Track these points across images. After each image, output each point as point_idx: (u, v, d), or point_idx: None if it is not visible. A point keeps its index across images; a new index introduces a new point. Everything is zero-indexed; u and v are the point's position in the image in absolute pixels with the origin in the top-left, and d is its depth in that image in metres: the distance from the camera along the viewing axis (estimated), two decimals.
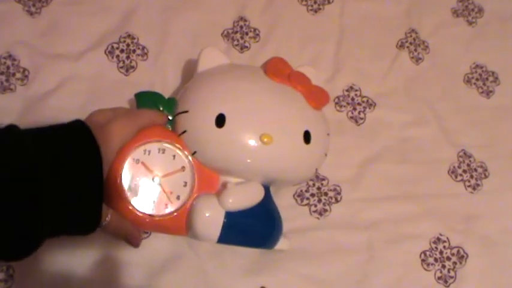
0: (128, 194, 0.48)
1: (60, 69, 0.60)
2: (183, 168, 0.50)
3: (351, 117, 0.64)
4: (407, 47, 0.69)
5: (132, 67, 0.62)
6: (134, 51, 0.63)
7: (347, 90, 0.65)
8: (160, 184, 0.48)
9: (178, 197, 0.49)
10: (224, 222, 0.48)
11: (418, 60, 0.68)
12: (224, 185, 0.50)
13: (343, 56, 0.66)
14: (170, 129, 0.51)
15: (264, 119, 0.49)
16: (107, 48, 0.62)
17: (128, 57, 0.62)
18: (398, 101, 0.66)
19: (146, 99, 0.51)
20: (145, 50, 0.63)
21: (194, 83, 0.52)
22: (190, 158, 0.50)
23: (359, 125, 0.64)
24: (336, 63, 0.66)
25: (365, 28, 0.68)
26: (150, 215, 0.48)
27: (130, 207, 0.48)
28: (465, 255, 0.59)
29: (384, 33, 0.68)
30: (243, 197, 0.49)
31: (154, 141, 0.49)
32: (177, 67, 0.62)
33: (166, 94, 0.55)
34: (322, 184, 0.60)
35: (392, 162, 0.62)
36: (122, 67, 0.62)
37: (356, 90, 0.66)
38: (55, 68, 0.60)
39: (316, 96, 0.53)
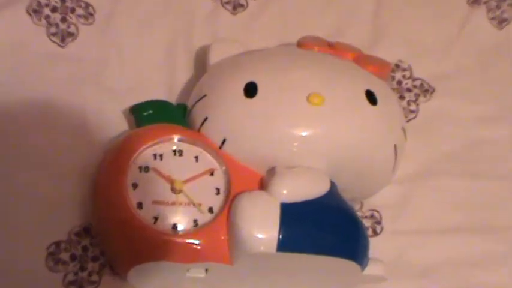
0: (142, 215, 0.48)
1: None
2: (211, 171, 0.51)
3: None
4: (485, 1, 0.67)
5: (71, 34, 0.60)
6: (73, 10, 0.61)
7: (391, 70, 0.63)
8: (184, 194, 0.49)
9: (211, 210, 0.49)
10: (282, 217, 0.49)
11: (501, 22, 0.68)
12: (271, 172, 0.51)
13: (384, 19, 0.66)
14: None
15: (308, 79, 0.52)
16: (30, 4, 0.60)
17: (63, 20, 0.60)
18: (468, 85, 0.65)
19: (147, 114, 0.54)
20: (91, 10, 0.61)
21: (209, 74, 0.56)
22: (218, 155, 0.51)
23: (408, 121, 0.62)
24: (374, 29, 0.66)
25: None
26: (175, 235, 0.49)
27: (148, 233, 0.49)
28: None
29: None
30: (301, 180, 0.51)
31: (165, 140, 0.51)
32: (141, 34, 0.61)
33: (123, 77, 0.57)
34: (354, 209, 0.57)
35: (457, 176, 0.61)
36: (54, 34, 0.60)
37: (404, 70, 0.64)
38: None
39: (374, 61, 0.56)
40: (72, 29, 0.59)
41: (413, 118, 0.62)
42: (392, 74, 0.63)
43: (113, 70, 0.58)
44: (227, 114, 0.52)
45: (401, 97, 0.62)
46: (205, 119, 0.52)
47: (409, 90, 0.63)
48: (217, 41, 0.58)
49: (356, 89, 0.53)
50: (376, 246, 0.55)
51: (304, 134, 0.51)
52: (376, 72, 0.55)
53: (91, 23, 0.60)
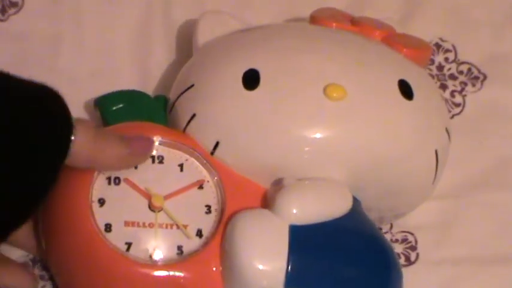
0: (110, 240, 0.46)
1: None
2: (199, 183, 0.48)
3: None
4: None
5: (14, 4, 0.58)
6: None
7: (431, 53, 0.61)
8: (164, 213, 0.47)
9: (199, 233, 0.47)
10: (291, 244, 0.46)
11: None
12: (277, 185, 0.49)
13: None
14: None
15: (325, 65, 0.50)
16: None
17: None
18: None
19: (116, 109, 0.51)
20: None
21: (197, 58, 0.54)
22: (209, 162, 0.49)
23: (452, 117, 0.59)
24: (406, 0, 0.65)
25: None
26: (153, 266, 0.46)
27: (118, 264, 0.46)
28: None
29: None
30: (316, 197, 0.48)
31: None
32: (106, 4, 0.59)
33: (82, 59, 0.56)
34: (381, 230, 0.56)
35: None
36: None
37: (447, 51, 0.61)
38: None
39: (410, 42, 0.54)
40: None
41: (459, 113, 0.59)
42: (432, 57, 0.60)
43: (70, 50, 0.56)
44: (221, 111, 0.49)
45: (443, 86, 0.60)
46: (193, 116, 0.49)
47: (453, 77, 0.60)
48: (206, 15, 0.55)
49: (387, 78, 0.51)
50: (409, 278, 0.51)
51: (319, 136, 0.48)
52: (413, 57, 0.53)
53: None
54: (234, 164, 0.49)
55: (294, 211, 0.47)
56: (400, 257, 0.54)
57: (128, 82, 0.56)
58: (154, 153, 0.49)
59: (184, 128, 0.50)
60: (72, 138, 0.44)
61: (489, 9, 0.63)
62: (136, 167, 0.48)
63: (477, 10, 0.62)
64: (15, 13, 0.58)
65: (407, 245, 0.55)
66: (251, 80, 0.49)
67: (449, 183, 0.56)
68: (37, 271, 0.50)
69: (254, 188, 0.50)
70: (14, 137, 0.42)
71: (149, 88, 0.57)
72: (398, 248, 0.55)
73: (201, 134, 0.49)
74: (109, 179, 0.48)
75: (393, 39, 0.54)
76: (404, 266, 0.54)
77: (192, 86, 0.50)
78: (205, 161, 0.49)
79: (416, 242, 0.55)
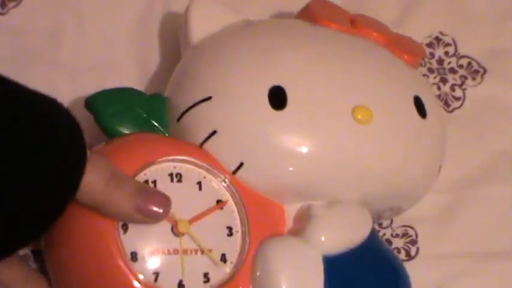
0: (137, 270, 0.44)
1: None
2: (219, 204, 0.47)
3: (438, 96, 0.60)
4: None
5: None
6: None
7: (429, 45, 0.61)
8: (189, 237, 0.46)
9: (223, 258, 0.46)
10: (328, 275, 0.46)
11: None
12: (306, 212, 0.48)
13: None
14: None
15: (350, 85, 0.49)
16: None
17: None
18: None
19: (114, 111, 0.48)
20: None
21: (197, 57, 0.51)
22: (229, 181, 0.47)
23: (452, 110, 0.59)
24: None
25: None
26: None
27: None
28: None
29: None
30: (346, 223, 0.48)
31: (163, 161, 0.47)
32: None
33: (82, 53, 0.54)
34: (381, 226, 0.56)
35: None
36: None
37: (447, 45, 0.61)
38: None
39: (406, 45, 0.54)
40: None
41: (459, 107, 0.59)
42: (432, 51, 0.61)
43: (70, 43, 0.55)
44: (247, 131, 0.47)
45: (443, 80, 0.60)
46: (214, 132, 0.47)
47: (453, 71, 0.60)
48: (196, 4, 0.51)
49: (405, 95, 0.50)
50: (410, 273, 0.52)
51: (346, 161, 0.48)
52: (411, 62, 0.53)
53: None
54: (255, 184, 0.48)
55: (327, 241, 0.47)
56: (400, 252, 0.54)
57: (129, 75, 0.56)
58: (172, 170, 0.47)
59: (202, 143, 0.48)
60: (83, 174, 0.43)
61: (489, 3, 0.63)
62: (155, 185, 0.47)
63: (477, 4, 0.62)
64: (15, 6, 0.57)
65: (407, 239, 0.55)
66: (278, 98, 0.47)
67: (449, 177, 0.56)
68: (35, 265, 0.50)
69: (275, 209, 0.49)
70: (21, 166, 0.41)
71: (150, 81, 0.56)
72: (398, 243, 0.55)
73: (223, 152, 0.48)
74: None
75: (394, 44, 0.53)
76: (405, 261, 0.54)
77: (210, 98, 0.48)
78: (225, 179, 0.48)
79: (416, 235, 0.55)
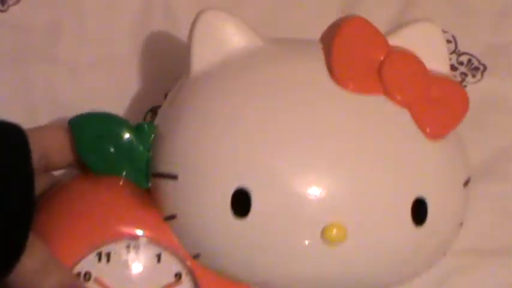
0: None
1: None
2: (177, 278, 0.45)
3: None
4: None
5: None
6: None
7: None
8: None
9: None
10: None
11: None
12: None
13: None
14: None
15: (328, 194, 0.42)
16: None
17: None
18: None
19: (91, 141, 0.44)
20: None
21: (186, 106, 0.45)
22: (187, 261, 0.45)
23: None
24: None
25: None
26: None
27: None
28: None
29: None
30: None
31: (121, 238, 0.44)
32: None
33: (83, 49, 0.54)
34: None
35: None
36: None
37: (448, 42, 0.59)
38: None
39: (438, 111, 0.44)
40: None
41: None
42: None
43: (70, 41, 0.55)
44: (205, 233, 0.44)
45: None
46: (173, 216, 0.44)
47: (453, 68, 0.59)
48: (206, 16, 0.44)
49: (400, 199, 0.43)
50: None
51: (305, 277, 0.44)
52: (440, 133, 0.44)
53: None
54: (213, 269, 0.46)
55: None
56: None
57: (129, 73, 0.56)
58: (129, 243, 0.45)
59: (165, 219, 0.45)
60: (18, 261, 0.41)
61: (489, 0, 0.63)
62: (108, 260, 0.44)
63: (477, 1, 0.62)
64: (15, 3, 0.57)
65: None
66: (241, 204, 0.42)
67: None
68: None
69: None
70: None
71: (150, 78, 0.56)
72: None
73: (182, 237, 0.45)
74: (79, 274, 0.45)
75: (420, 110, 0.43)
76: None
77: (175, 177, 0.44)
78: (181, 255, 0.46)
79: None
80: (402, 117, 0.43)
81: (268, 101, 0.43)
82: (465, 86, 0.59)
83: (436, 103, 0.44)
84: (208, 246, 0.44)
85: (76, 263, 0.43)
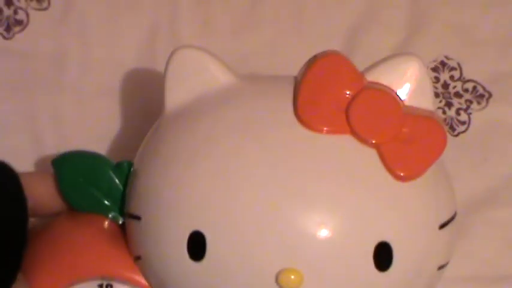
0: None
1: None
2: None
3: (443, 121, 0.60)
4: None
5: (19, 22, 0.58)
6: None
7: (434, 70, 0.60)
8: None
9: None
10: None
11: None
12: None
13: (426, 1, 0.62)
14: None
15: (283, 236, 0.41)
16: None
17: (9, 3, 0.58)
18: None
19: (72, 180, 0.44)
20: None
21: (152, 147, 0.45)
22: None
23: (457, 135, 0.59)
24: (412, 15, 0.62)
25: None
26: None
27: None
28: None
29: None
30: None
31: (93, 278, 0.44)
32: (111, 22, 0.58)
33: (87, 77, 0.55)
34: None
35: None
36: None
37: (452, 69, 0.60)
38: None
39: (409, 152, 0.42)
40: (20, 15, 0.58)
41: (464, 131, 0.58)
42: (437, 75, 0.60)
43: (75, 68, 0.55)
44: (166, 275, 0.44)
45: (449, 104, 0.59)
46: (139, 257, 0.44)
47: (458, 95, 0.60)
48: (181, 53, 0.44)
49: (361, 243, 0.41)
50: None
51: None
52: (411, 175, 0.42)
53: (45, 8, 0.58)
54: None
55: None
56: None
57: (134, 99, 0.56)
58: (102, 282, 0.44)
59: (135, 260, 0.45)
60: None
61: (495, 27, 0.62)
62: None
63: (482, 28, 0.62)
64: (20, 31, 0.58)
65: None
66: (196, 247, 0.42)
67: None
68: None
69: None
70: None
71: (155, 106, 0.53)
72: None
73: (147, 279, 0.45)
74: None
75: (390, 151, 0.42)
76: None
77: (139, 218, 0.44)
78: None
79: None
80: (369, 158, 0.41)
81: (227, 145, 0.42)
82: (470, 113, 0.59)
83: (408, 143, 0.42)
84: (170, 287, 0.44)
85: None
